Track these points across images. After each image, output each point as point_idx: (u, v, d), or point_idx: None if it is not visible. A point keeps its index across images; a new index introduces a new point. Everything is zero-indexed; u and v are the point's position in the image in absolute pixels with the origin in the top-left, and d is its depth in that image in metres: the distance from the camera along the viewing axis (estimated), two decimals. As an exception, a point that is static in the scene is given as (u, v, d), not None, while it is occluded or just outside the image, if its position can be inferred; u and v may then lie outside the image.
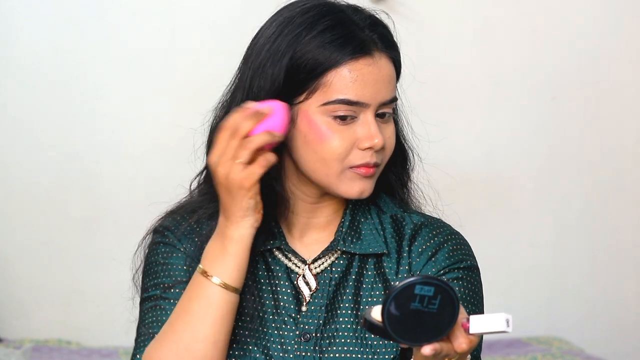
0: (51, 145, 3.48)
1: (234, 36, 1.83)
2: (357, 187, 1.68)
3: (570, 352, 3.43)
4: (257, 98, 1.68)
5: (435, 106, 3.61)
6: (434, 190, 1.84)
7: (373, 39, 1.68)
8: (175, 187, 1.85)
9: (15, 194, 3.48)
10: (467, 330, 1.41)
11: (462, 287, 1.70)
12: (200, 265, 1.65)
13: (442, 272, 1.71)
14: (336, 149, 1.66)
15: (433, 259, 1.72)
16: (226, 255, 1.64)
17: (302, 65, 1.67)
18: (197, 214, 1.75)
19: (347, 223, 1.74)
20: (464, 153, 3.70)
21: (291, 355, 1.68)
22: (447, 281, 1.42)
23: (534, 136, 3.76)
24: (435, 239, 1.73)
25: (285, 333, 1.70)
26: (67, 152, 3.49)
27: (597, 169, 3.80)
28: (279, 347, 1.69)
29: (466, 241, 1.76)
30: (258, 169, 1.61)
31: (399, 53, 1.72)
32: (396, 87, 1.71)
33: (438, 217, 1.80)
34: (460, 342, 1.42)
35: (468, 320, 1.42)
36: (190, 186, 1.81)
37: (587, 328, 3.80)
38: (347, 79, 1.66)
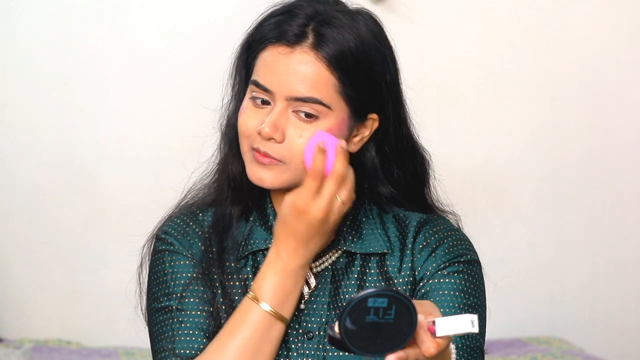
0: (51, 145, 3.48)
1: (234, 37, 1.83)
2: (254, 172, 1.69)
3: (570, 352, 3.43)
4: (234, 87, 1.73)
5: (435, 106, 3.61)
6: (437, 190, 1.84)
7: (305, 32, 1.66)
8: (176, 187, 1.85)
9: (15, 194, 3.48)
10: (433, 333, 1.41)
11: (463, 279, 1.71)
12: (267, 304, 1.64)
13: (442, 266, 1.71)
14: (241, 125, 1.69)
15: (433, 254, 1.72)
16: (295, 292, 1.66)
17: (248, 45, 1.71)
18: (197, 215, 1.76)
19: (348, 222, 1.73)
20: (464, 153, 3.70)
21: (295, 354, 1.69)
22: (399, 290, 1.43)
23: (534, 136, 3.76)
24: (436, 235, 1.74)
25: (289, 331, 1.70)
26: (67, 152, 3.49)
27: (597, 169, 3.80)
28: (282, 345, 1.69)
29: (467, 238, 1.77)
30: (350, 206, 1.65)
31: (340, 61, 1.66)
32: (324, 90, 1.66)
33: (442, 216, 1.80)
34: (428, 347, 1.41)
35: (434, 323, 1.42)
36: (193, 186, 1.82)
37: (587, 328, 3.80)
38: (263, 62, 1.68)
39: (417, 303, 1.43)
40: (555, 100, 3.77)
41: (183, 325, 1.70)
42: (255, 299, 1.64)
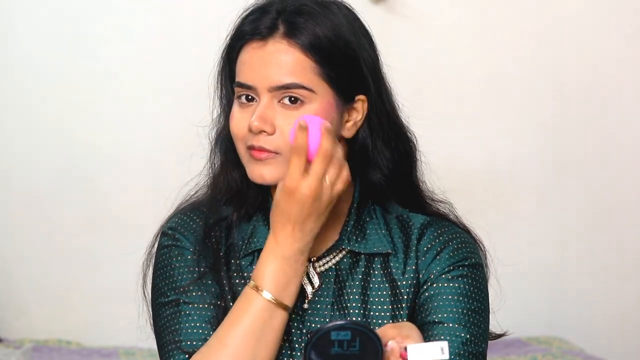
0: (51, 145, 3.48)
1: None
2: (254, 170, 1.69)
3: (570, 352, 3.43)
4: (222, 99, 1.75)
5: (435, 106, 3.61)
6: (437, 189, 1.84)
7: (276, 24, 1.68)
8: (175, 186, 1.86)
9: (15, 194, 3.48)
10: None
11: (466, 284, 1.72)
12: (268, 292, 1.63)
13: (446, 269, 1.72)
14: (233, 128, 1.70)
15: (438, 257, 1.73)
16: (296, 279, 1.65)
17: (228, 52, 1.73)
18: (204, 213, 1.76)
19: (352, 222, 1.74)
20: (464, 153, 3.70)
21: (298, 353, 1.69)
22: (360, 322, 1.44)
23: (534, 136, 3.76)
24: (440, 238, 1.74)
25: (293, 330, 1.70)
26: (67, 152, 3.49)
27: (597, 169, 3.80)
28: (286, 344, 1.69)
29: (471, 240, 1.78)
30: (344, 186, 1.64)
31: (314, 44, 1.67)
32: (303, 74, 1.67)
33: (444, 217, 1.80)
34: None
35: (405, 349, 1.42)
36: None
37: (587, 328, 3.80)
38: (241, 62, 1.70)
39: (394, 326, 1.45)
40: (556, 100, 3.77)
41: (190, 317, 1.70)
42: (256, 288, 1.63)
